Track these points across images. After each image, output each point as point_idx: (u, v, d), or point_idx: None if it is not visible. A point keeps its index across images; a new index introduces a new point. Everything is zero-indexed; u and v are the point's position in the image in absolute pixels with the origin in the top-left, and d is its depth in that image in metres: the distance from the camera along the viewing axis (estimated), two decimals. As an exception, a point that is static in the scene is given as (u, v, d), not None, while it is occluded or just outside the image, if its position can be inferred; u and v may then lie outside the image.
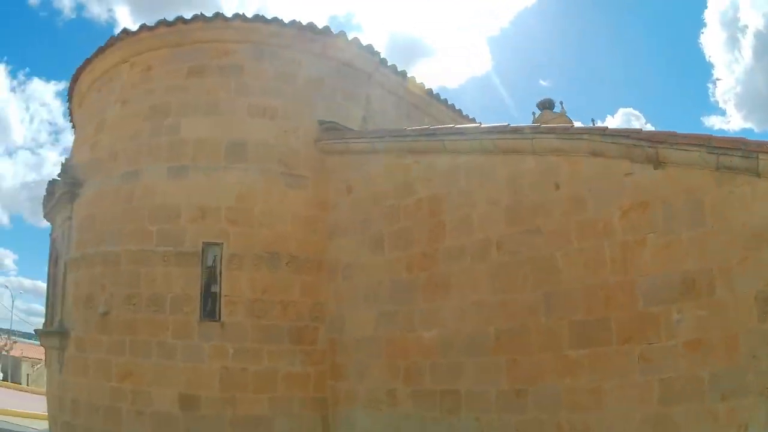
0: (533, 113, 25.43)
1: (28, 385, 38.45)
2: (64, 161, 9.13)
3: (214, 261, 7.45)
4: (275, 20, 8.17)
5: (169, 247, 7.45)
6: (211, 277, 7.45)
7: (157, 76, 8.23)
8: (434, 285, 6.67)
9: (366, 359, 7.27)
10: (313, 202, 7.77)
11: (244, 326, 7.34)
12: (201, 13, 8.15)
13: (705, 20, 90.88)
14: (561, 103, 25.70)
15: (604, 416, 5.16)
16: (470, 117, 10.62)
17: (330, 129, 7.85)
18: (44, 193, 10.10)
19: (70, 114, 10.98)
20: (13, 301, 41.63)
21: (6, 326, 41.45)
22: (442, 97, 9.60)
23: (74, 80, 9.53)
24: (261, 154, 7.66)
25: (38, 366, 43.10)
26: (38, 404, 24.13)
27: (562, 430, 5.37)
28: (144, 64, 8.41)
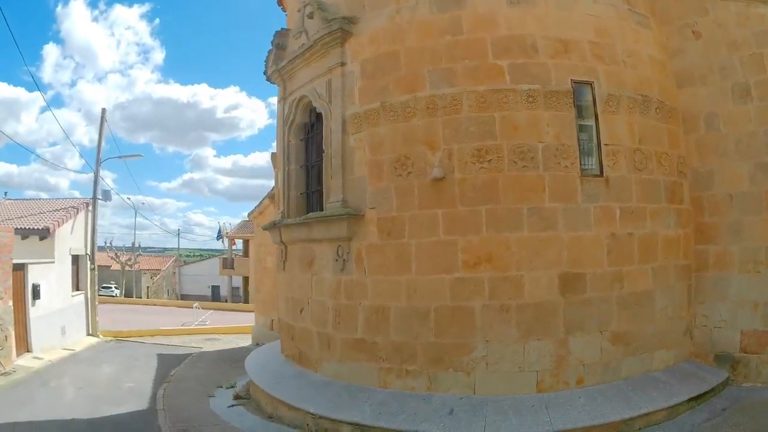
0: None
1: (148, 297, 39.34)
2: (302, 7, 6.67)
3: (583, 103, 6.02)
4: None
5: (535, 85, 5.83)
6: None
7: None
8: (815, 134, 6.28)
9: (742, 217, 6.47)
10: (660, 45, 6.76)
11: (628, 181, 6.02)
12: None
13: None
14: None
15: None
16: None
17: (658, -29, 6.97)
18: (270, 48, 7.30)
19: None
20: (135, 217, 41.86)
21: (116, 243, 42.37)
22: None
23: None
24: (604, -14, 6.46)
25: (156, 277, 45.59)
26: (162, 318, 22.10)
27: None
28: None
